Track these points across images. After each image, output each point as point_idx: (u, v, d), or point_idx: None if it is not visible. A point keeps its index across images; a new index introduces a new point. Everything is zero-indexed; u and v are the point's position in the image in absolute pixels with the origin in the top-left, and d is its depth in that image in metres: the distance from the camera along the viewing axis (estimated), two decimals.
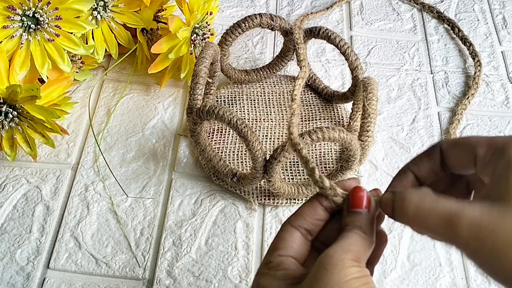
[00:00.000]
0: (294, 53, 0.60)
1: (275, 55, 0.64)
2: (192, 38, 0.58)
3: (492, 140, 0.28)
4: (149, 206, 0.52)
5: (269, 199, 0.52)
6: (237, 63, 0.66)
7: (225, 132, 0.57)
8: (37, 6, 0.50)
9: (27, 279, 0.47)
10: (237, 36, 0.56)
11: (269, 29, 0.57)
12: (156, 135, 0.58)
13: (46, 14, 0.50)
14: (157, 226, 0.51)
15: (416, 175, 0.32)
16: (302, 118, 0.59)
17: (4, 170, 0.54)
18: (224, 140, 0.57)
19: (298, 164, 0.55)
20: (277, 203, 0.52)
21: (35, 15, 0.50)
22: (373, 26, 0.72)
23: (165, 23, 0.60)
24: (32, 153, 0.52)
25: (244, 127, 0.46)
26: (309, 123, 0.59)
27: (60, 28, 0.52)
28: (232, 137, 0.57)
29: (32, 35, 0.51)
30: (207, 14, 0.59)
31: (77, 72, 0.60)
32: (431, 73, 0.66)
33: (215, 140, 0.56)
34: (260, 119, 0.59)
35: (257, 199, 0.52)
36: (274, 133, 0.58)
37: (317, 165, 0.54)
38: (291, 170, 0.54)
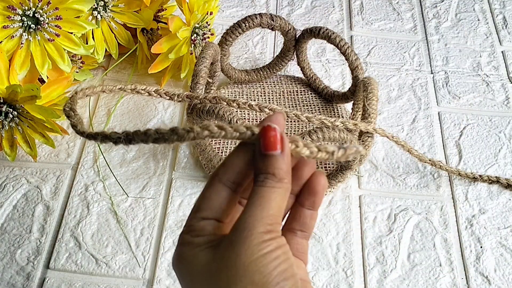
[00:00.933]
0: (294, 53, 0.61)
1: (275, 55, 0.64)
2: (192, 38, 0.58)
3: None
4: (149, 206, 0.52)
5: None
6: (237, 63, 0.66)
7: None
8: (37, 6, 0.50)
9: (27, 279, 0.47)
10: (237, 36, 0.56)
11: (269, 29, 0.57)
12: None
13: (46, 14, 0.50)
14: (157, 226, 0.51)
15: None
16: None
17: (4, 170, 0.54)
18: (224, 140, 0.56)
19: None
20: None
21: (35, 15, 0.50)
22: (373, 26, 0.72)
23: (165, 23, 0.60)
24: (32, 153, 0.52)
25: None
26: (309, 123, 0.59)
27: (60, 28, 0.52)
28: None
29: (32, 35, 0.51)
30: (207, 14, 0.59)
31: (77, 72, 0.60)
32: (431, 73, 0.66)
33: (215, 140, 0.56)
34: (260, 119, 0.59)
35: None
36: None
37: (317, 165, 0.54)
38: None
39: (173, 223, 0.51)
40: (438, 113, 0.62)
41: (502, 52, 0.69)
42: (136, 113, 0.60)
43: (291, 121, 0.59)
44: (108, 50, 0.59)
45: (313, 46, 0.68)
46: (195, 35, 0.58)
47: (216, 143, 0.56)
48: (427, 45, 0.69)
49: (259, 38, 0.69)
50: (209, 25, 0.60)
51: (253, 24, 0.55)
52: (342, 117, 0.60)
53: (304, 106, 0.61)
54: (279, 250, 0.27)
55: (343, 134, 0.44)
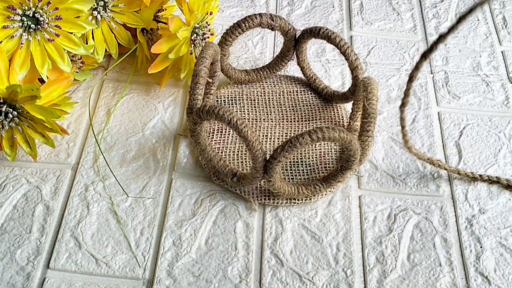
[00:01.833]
0: (294, 53, 0.61)
1: (275, 55, 0.64)
2: (192, 38, 0.58)
3: None
4: (149, 206, 0.52)
5: (269, 199, 0.52)
6: (237, 63, 0.66)
7: (225, 132, 0.57)
8: (37, 6, 0.50)
9: (27, 279, 0.47)
10: (237, 36, 0.57)
11: (269, 29, 0.57)
12: (156, 135, 0.58)
13: (46, 14, 0.50)
14: (157, 226, 0.51)
15: None
16: (302, 118, 0.59)
17: (4, 170, 0.54)
18: (224, 140, 0.57)
19: (298, 164, 0.55)
20: (277, 203, 0.52)
21: (35, 15, 0.50)
22: (373, 26, 0.72)
23: (165, 23, 0.60)
24: (32, 153, 0.52)
25: (244, 127, 0.46)
26: (309, 123, 0.59)
27: (60, 28, 0.52)
28: (232, 137, 0.57)
29: (32, 35, 0.51)
30: (207, 14, 0.59)
31: (77, 72, 0.60)
32: (431, 73, 0.66)
33: (215, 140, 0.56)
34: (260, 119, 0.59)
35: (257, 199, 0.52)
36: (274, 133, 0.58)
37: (317, 165, 0.55)
38: (291, 170, 0.54)
39: (173, 223, 0.51)
40: (438, 113, 0.62)
41: (502, 52, 0.69)
42: (136, 113, 0.60)
43: (290, 121, 0.59)
44: (108, 50, 0.59)
45: (313, 46, 0.68)
46: (195, 35, 0.58)
47: (216, 143, 0.56)
48: (427, 45, 0.69)
49: (259, 38, 0.69)
50: (209, 25, 0.60)
51: (253, 24, 0.56)
52: (342, 117, 0.60)
53: (304, 106, 0.61)
54: None
55: (343, 134, 0.44)
